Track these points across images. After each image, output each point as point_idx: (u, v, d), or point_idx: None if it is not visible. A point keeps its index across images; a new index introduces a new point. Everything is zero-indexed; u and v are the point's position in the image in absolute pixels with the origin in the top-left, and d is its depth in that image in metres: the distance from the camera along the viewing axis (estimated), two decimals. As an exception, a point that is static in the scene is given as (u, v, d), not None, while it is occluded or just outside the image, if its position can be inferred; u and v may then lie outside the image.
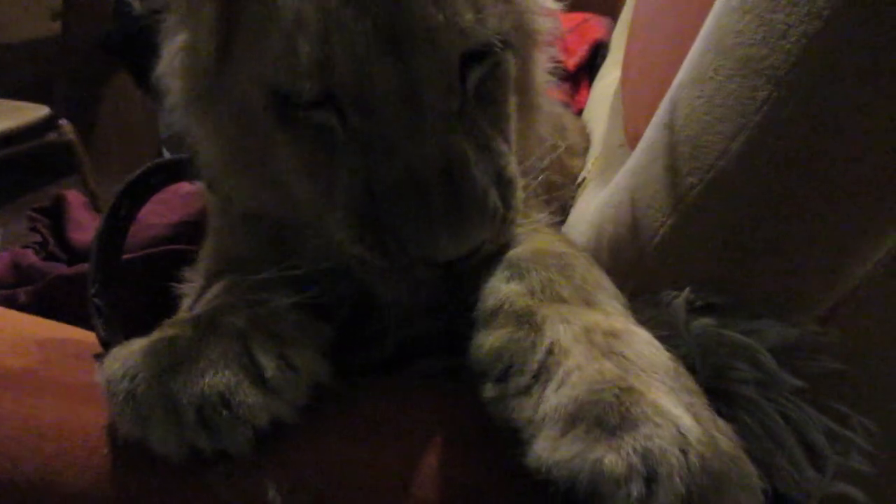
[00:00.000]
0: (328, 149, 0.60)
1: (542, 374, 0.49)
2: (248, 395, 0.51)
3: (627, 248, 0.67)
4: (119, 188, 0.83)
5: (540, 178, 0.72)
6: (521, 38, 0.68)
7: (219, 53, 0.63)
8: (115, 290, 0.79)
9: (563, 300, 0.55)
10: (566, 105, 1.51)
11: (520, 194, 0.63)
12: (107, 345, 0.71)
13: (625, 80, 1.16)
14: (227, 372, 0.52)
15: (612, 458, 0.42)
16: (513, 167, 0.63)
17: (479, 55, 0.60)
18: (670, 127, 0.63)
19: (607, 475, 0.42)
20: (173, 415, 0.50)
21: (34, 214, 1.21)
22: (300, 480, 0.52)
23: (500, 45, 0.61)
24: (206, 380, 0.51)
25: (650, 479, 0.41)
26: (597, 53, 1.70)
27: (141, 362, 0.53)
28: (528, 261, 0.59)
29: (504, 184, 0.61)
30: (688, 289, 0.60)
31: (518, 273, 0.58)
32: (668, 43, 0.86)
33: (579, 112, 1.55)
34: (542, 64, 0.76)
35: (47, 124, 2.66)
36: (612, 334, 0.51)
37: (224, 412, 0.50)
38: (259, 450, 0.52)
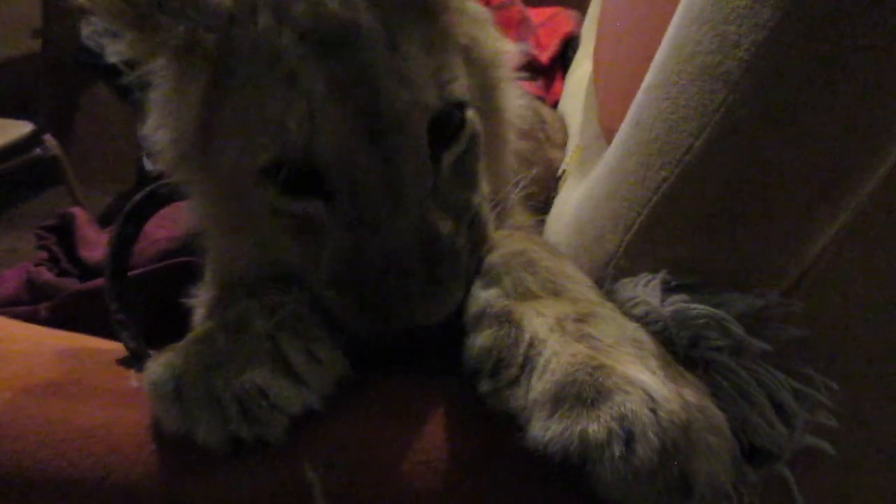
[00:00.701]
0: (315, 230, 0.66)
1: (526, 365, 0.56)
2: (283, 388, 0.58)
3: (608, 238, 0.73)
4: (125, 210, 0.89)
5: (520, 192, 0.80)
6: (487, 88, 0.75)
7: (202, 133, 0.68)
8: (131, 304, 0.85)
9: (534, 295, 0.62)
10: (542, 99, 1.58)
11: (490, 228, 0.71)
12: (136, 355, 0.77)
13: (597, 74, 1.22)
14: (262, 368, 0.58)
15: (594, 427, 0.49)
16: (482, 209, 0.70)
17: (451, 134, 0.67)
18: (641, 126, 0.70)
19: (592, 442, 0.49)
20: (217, 408, 0.57)
21: (42, 233, 1.25)
22: (333, 460, 0.59)
23: (459, 108, 0.68)
24: (245, 376, 0.57)
25: (629, 439, 0.48)
26: (568, 46, 1.77)
27: (183, 365, 0.59)
28: (499, 266, 0.66)
29: (475, 226, 0.68)
30: (664, 271, 0.66)
31: (492, 280, 0.65)
32: (637, 36, 0.92)
33: (555, 104, 1.61)
34: (510, 99, 0.82)
35: (32, 140, 2.68)
36: (580, 319, 0.57)
37: (263, 403, 0.57)
38: (294, 436, 0.59)
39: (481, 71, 0.74)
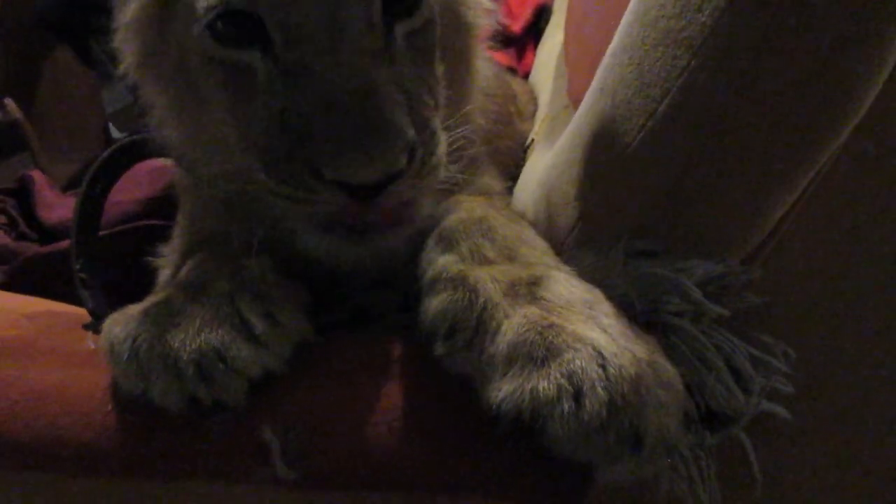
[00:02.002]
0: (250, 87, 0.64)
1: (480, 328, 0.56)
2: (242, 350, 0.57)
3: (573, 205, 0.74)
4: (93, 167, 0.87)
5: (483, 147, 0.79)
6: (457, 31, 0.74)
7: (163, 10, 0.68)
8: (96, 264, 0.84)
9: (489, 261, 0.62)
10: (513, 70, 1.57)
11: (443, 146, 0.66)
12: (95, 315, 0.76)
13: (567, 44, 1.21)
14: (220, 330, 0.58)
15: (544, 384, 0.50)
16: (436, 122, 0.66)
17: (408, 8, 0.65)
18: (606, 92, 0.70)
19: (543, 399, 0.50)
20: (174, 370, 0.56)
21: (-1, 196, 1.23)
22: (292, 421, 0.59)
23: None
24: (203, 337, 0.57)
25: (578, 394, 0.49)
26: (540, 17, 1.75)
27: (141, 325, 0.59)
28: (456, 231, 0.65)
29: (427, 134, 0.63)
30: (626, 236, 0.66)
31: (449, 244, 0.64)
32: (606, 7, 0.91)
33: (526, 75, 1.61)
34: (480, 56, 0.81)
35: (-8, 105, 2.60)
36: (533, 283, 0.58)
37: (221, 366, 0.56)
38: (253, 398, 0.59)
39: (453, 9, 0.73)
